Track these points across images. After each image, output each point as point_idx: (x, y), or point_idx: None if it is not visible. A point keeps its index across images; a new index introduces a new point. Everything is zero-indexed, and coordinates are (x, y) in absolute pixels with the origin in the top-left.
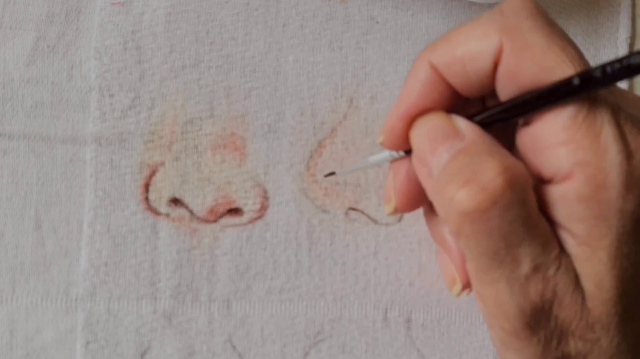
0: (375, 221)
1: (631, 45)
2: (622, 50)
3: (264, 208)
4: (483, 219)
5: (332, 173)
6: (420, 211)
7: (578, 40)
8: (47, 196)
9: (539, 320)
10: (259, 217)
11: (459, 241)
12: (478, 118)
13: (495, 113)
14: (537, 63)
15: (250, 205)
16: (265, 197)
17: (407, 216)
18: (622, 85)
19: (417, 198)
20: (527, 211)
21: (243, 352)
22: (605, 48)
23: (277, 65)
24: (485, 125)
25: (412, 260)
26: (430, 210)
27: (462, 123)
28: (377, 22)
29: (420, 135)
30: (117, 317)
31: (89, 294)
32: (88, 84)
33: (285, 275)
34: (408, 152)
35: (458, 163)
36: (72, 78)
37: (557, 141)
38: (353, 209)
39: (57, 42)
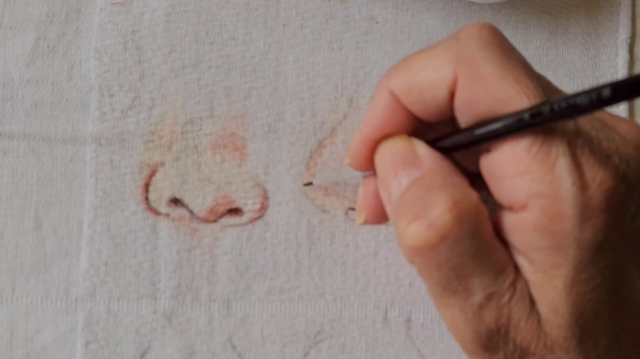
0: None
1: (631, 45)
2: (622, 50)
3: (264, 208)
4: (432, 254)
5: (310, 183)
6: None
7: (578, 40)
8: (47, 196)
9: (496, 343)
10: (259, 217)
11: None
12: (439, 143)
13: (453, 140)
14: (491, 94)
15: (250, 205)
16: (265, 197)
17: None
18: (622, 108)
19: (385, 213)
20: (478, 243)
21: (243, 352)
22: (605, 48)
23: (277, 65)
24: (446, 150)
25: None
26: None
27: (422, 150)
28: (377, 22)
29: (382, 160)
30: (117, 317)
31: (89, 294)
32: (88, 84)
33: (285, 275)
34: None
35: (411, 195)
36: (72, 78)
37: (514, 172)
38: (353, 209)
39: (57, 42)
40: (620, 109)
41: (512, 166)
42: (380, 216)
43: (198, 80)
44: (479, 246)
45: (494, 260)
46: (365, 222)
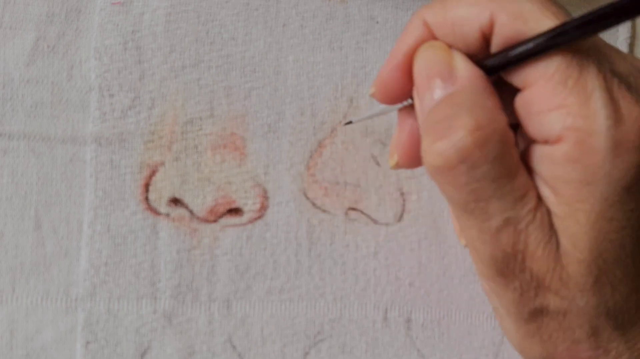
0: (375, 221)
1: (631, 45)
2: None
3: (264, 208)
4: (451, 175)
5: (350, 122)
6: (419, 212)
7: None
8: (47, 196)
9: (512, 269)
10: (259, 217)
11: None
12: (483, 61)
13: (494, 60)
14: (532, 29)
15: (250, 205)
16: (265, 197)
17: (407, 216)
18: (622, 48)
19: (419, 156)
20: (499, 168)
21: (243, 352)
22: None
23: (277, 65)
24: (486, 71)
25: (412, 260)
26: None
27: (460, 64)
28: (377, 22)
29: (419, 67)
30: (117, 317)
31: (89, 294)
32: (88, 84)
33: (285, 275)
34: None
35: (440, 112)
36: (72, 78)
37: (549, 106)
38: (353, 209)
39: (57, 42)
40: None
41: (548, 100)
42: (414, 159)
43: (198, 80)
44: (500, 171)
45: (514, 186)
46: (398, 165)
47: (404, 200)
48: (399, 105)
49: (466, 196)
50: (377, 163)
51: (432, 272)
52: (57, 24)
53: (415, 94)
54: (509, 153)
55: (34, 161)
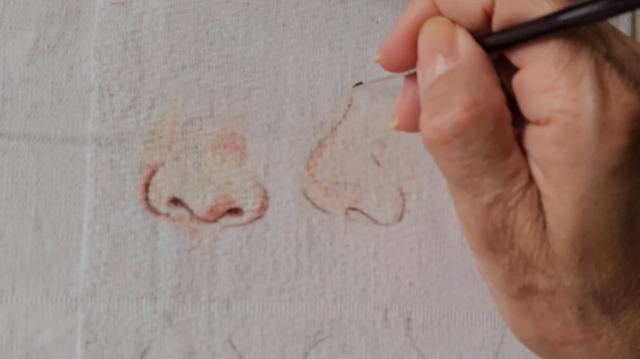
0: (375, 221)
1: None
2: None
3: (264, 208)
4: (446, 149)
5: (360, 83)
6: (419, 212)
7: None
8: (47, 196)
9: (502, 245)
10: (259, 217)
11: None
12: (485, 39)
13: (497, 38)
14: (530, 11)
15: (250, 205)
16: (265, 197)
17: (407, 216)
18: (625, 31)
19: (417, 122)
20: (493, 144)
21: (243, 352)
22: None
23: (277, 65)
24: (487, 49)
25: (412, 260)
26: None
27: (462, 40)
28: (377, 22)
29: (422, 41)
30: (117, 317)
31: (89, 294)
32: (88, 84)
33: (285, 275)
34: None
35: (439, 87)
36: (72, 78)
37: (541, 88)
38: (353, 209)
39: (57, 42)
40: None
41: (539, 82)
42: (412, 125)
43: (198, 80)
44: (493, 147)
45: (507, 164)
46: (398, 127)
47: (404, 200)
48: (406, 73)
49: (459, 171)
50: (377, 163)
51: (432, 272)
52: (57, 24)
53: (418, 67)
54: (504, 131)
55: (34, 161)
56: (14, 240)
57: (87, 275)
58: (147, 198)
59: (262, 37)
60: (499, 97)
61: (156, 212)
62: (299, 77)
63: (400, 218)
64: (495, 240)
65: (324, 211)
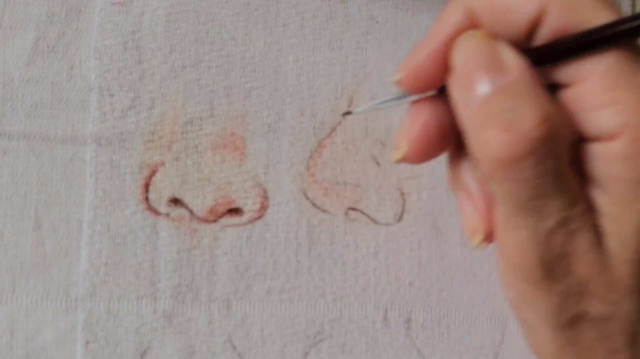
0: (375, 221)
1: None
2: None
3: (264, 208)
4: (517, 168)
5: (349, 112)
6: (419, 212)
7: None
8: (47, 196)
9: (558, 273)
10: (259, 217)
11: (490, 184)
12: (528, 53)
13: (544, 51)
14: (585, 21)
15: (250, 205)
16: (265, 197)
17: (407, 216)
18: None
19: (431, 149)
20: (561, 164)
21: (243, 352)
22: None
23: (277, 65)
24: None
25: (412, 260)
26: (456, 155)
27: (508, 55)
28: (377, 22)
29: (462, 57)
30: (117, 317)
31: (89, 294)
32: (88, 84)
33: (285, 275)
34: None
35: (498, 103)
36: (72, 78)
37: (602, 103)
38: (353, 209)
39: (57, 42)
40: None
41: (600, 97)
42: (425, 153)
43: (198, 80)
44: (561, 167)
45: (571, 185)
46: (405, 158)
47: (404, 200)
48: (403, 99)
49: (527, 192)
50: (377, 163)
51: (432, 272)
52: (57, 24)
53: (455, 85)
54: (567, 150)
55: (34, 161)
56: (14, 240)
57: (87, 275)
58: (147, 198)
59: (262, 37)
60: (561, 112)
61: (156, 212)
62: (299, 77)
63: (400, 218)
64: (551, 269)
65: (324, 211)
